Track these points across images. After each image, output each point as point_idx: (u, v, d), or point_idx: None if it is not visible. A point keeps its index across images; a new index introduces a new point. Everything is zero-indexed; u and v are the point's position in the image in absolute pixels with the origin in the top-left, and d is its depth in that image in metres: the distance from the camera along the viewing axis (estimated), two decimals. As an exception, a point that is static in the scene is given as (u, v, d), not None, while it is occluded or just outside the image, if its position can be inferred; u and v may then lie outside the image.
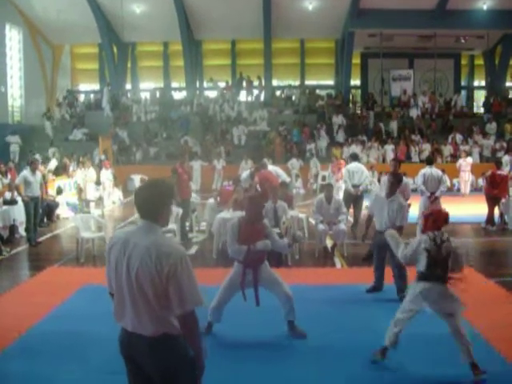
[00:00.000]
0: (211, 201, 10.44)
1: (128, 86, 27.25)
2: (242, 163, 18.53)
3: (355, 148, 19.29)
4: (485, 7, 22.28)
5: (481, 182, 16.62)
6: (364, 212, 10.64)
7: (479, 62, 27.90)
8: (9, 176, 13.58)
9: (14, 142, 21.19)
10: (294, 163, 19.58)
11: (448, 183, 14.13)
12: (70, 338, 5.02)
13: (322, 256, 8.66)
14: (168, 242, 2.60)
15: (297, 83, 27.13)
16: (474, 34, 24.21)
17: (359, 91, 27.67)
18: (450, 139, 21.32)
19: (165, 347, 2.56)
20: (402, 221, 6.12)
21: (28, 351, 4.78)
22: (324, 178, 17.86)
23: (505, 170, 12.54)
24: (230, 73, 27.02)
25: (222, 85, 25.76)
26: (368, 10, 22.37)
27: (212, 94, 26.18)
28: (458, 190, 17.67)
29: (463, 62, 28.04)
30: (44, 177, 12.04)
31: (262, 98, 25.41)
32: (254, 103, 24.92)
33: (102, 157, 19.11)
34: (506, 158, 17.72)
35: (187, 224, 10.27)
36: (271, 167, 10.92)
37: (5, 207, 10.50)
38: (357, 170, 10.10)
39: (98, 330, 4.87)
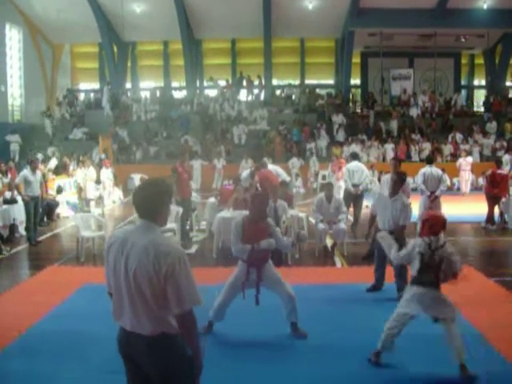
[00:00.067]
0: (211, 200, 10.44)
1: (128, 85, 27.23)
2: (242, 162, 18.54)
3: (355, 147, 19.29)
4: (485, 6, 22.27)
5: (481, 181, 16.62)
6: (364, 211, 10.66)
7: (479, 61, 27.90)
8: (9, 175, 13.57)
9: (14, 141, 21.19)
10: (295, 162, 19.60)
11: (448, 182, 14.13)
12: (70, 337, 5.02)
13: (322, 255, 8.66)
14: (166, 241, 2.60)
15: (297, 82, 27.13)
16: (474, 33, 24.20)
17: (359, 90, 27.68)
18: (450, 138, 21.33)
19: (163, 346, 2.57)
20: (406, 220, 6.12)
21: (28, 350, 4.78)
22: (324, 177, 17.86)
23: (505, 170, 12.54)
24: (230, 72, 27.01)
25: (222, 84, 25.73)
26: (368, 9, 22.35)
27: (212, 93, 26.16)
28: (458, 189, 17.67)
29: (463, 61, 28.03)
30: (44, 176, 12.04)
31: (262, 97, 25.40)
32: (254, 102, 24.91)
33: (103, 156, 19.12)
34: (506, 157, 17.73)
35: (187, 223, 10.26)
36: (271, 166, 10.92)
37: (5, 206, 10.50)
38: (357, 170, 10.10)
39: (98, 330, 4.87)
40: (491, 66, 26.34)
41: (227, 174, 17.51)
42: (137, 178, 17.87)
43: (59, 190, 13.67)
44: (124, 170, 19.22)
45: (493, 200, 11.09)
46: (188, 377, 2.61)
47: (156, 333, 2.55)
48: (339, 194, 10.91)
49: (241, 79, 25.72)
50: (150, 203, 2.64)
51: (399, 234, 5.91)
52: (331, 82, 28.20)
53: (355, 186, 9.93)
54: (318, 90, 26.25)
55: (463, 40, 24.93)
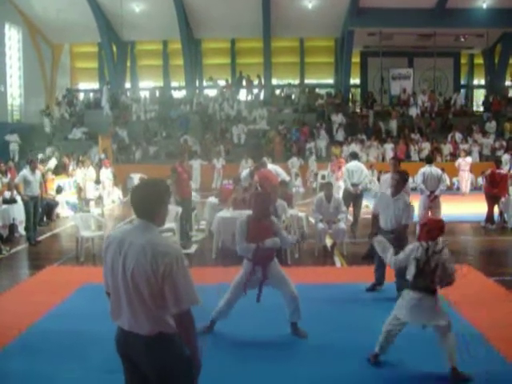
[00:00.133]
0: (211, 200, 10.43)
1: (127, 85, 27.23)
2: (241, 162, 18.55)
3: (355, 147, 19.30)
4: (484, 6, 22.27)
5: (480, 180, 16.62)
6: (364, 211, 10.66)
7: (479, 60, 27.91)
8: (8, 175, 13.57)
9: (13, 141, 21.19)
10: (294, 162, 19.61)
11: (447, 182, 14.13)
12: (70, 336, 5.03)
13: (321, 255, 8.65)
14: (164, 241, 2.61)
15: (296, 82, 27.12)
16: (474, 32, 24.22)
17: (359, 90, 27.67)
18: (449, 138, 21.34)
19: (161, 346, 2.57)
20: (408, 219, 6.11)
21: (28, 349, 4.79)
22: (324, 177, 17.86)
23: (504, 169, 12.55)
24: (229, 72, 27.01)
25: (222, 83, 25.73)
26: (367, 9, 22.36)
27: (212, 92, 26.15)
28: (458, 188, 17.67)
29: (463, 60, 28.03)
30: (43, 176, 12.03)
31: (262, 96, 25.38)
32: (254, 102, 24.90)
33: (102, 156, 19.11)
34: (505, 157, 17.75)
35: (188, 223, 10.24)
36: (271, 166, 10.91)
37: (4, 206, 10.49)
38: (356, 169, 10.09)
39: (98, 329, 4.86)
40: (490, 65, 26.36)
41: (227, 174, 17.52)
42: (136, 178, 17.83)
43: (59, 190, 13.66)
44: (123, 170, 19.21)
45: (492, 199, 11.09)
46: (186, 376, 2.61)
47: (154, 332, 2.55)
48: (339, 194, 10.92)
49: (240, 79, 25.72)
50: (147, 203, 2.64)
51: (401, 234, 5.89)
52: (331, 81, 28.21)
53: (354, 185, 9.92)
54: (317, 90, 26.24)
55: (463, 40, 24.94)
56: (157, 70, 27.34)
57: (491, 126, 22.31)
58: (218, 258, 8.43)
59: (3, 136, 21.16)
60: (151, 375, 2.62)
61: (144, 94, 25.58)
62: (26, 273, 8.09)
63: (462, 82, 28.49)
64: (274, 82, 27.40)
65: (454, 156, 19.86)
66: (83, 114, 24.39)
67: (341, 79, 25.97)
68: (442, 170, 10.72)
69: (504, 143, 20.69)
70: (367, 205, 12.14)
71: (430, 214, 9.51)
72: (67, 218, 12.58)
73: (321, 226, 8.46)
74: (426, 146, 20.54)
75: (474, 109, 26.78)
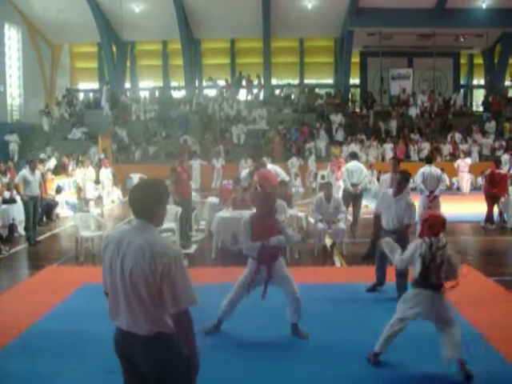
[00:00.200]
0: (210, 199, 10.43)
1: (127, 85, 27.23)
2: (241, 162, 18.57)
3: (354, 147, 19.30)
4: (484, 6, 22.29)
5: (480, 180, 16.62)
6: (364, 210, 10.66)
7: (478, 60, 27.92)
8: (8, 175, 13.56)
9: (13, 141, 21.20)
10: (294, 162, 19.61)
11: (447, 182, 14.13)
12: (70, 336, 5.03)
13: (321, 255, 8.65)
14: (162, 241, 2.61)
15: (296, 82, 27.11)
16: (473, 32, 24.22)
17: (358, 90, 27.68)
18: (449, 138, 21.35)
19: (159, 346, 2.57)
20: (410, 219, 6.11)
21: (28, 349, 4.79)
22: (323, 177, 17.86)
23: (504, 169, 12.58)
24: (229, 72, 27.02)
25: (222, 83, 25.73)
26: (367, 9, 22.36)
27: (211, 92, 26.15)
28: (458, 188, 17.67)
29: (462, 60, 28.04)
30: (43, 176, 12.03)
31: (262, 96, 25.39)
32: (254, 102, 24.90)
33: (102, 156, 19.10)
34: (505, 157, 17.77)
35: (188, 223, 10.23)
36: (270, 166, 10.92)
37: (4, 206, 10.49)
38: (356, 169, 10.09)
39: (98, 329, 4.86)
40: (490, 65, 26.37)
41: (226, 174, 17.52)
42: (136, 178, 17.82)
43: (58, 190, 13.66)
44: (123, 170, 19.20)
45: (492, 199, 11.10)
46: (184, 376, 2.62)
47: (152, 332, 2.56)
48: (338, 194, 10.92)
49: (240, 79, 25.72)
50: (146, 203, 2.64)
51: (403, 234, 5.88)
52: (330, 81, 28.22)
53: (354, 185, 9.92)
54: (317, 90, 26.26)
55: (462, 40, 24.96)
56: (156, 70, 27.34)
57: (491, 126, 22.32)
58: (218, 258, 8.43)
59: (3, 136, 21.17)
60: (150, 375, 2.62)
61: (144, 94, 25.58)
62: (26, 273, 8.08)
63: (462, 82, 28.49)
64: (274, 81, 27.41)
65: (454, 156, 19.88)
66: (83, 114, 24.39)
67: (340, 79, 25.97)
68: (442, 170, 10.73)
69: (503, 143, 20.70)
70: (367, 205, 12.16)
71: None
72: (67, 217, 12.58)
73: (320, 225, 8.46)
74: (426, 146, 20.54)
75: (474, 109, 26.81)
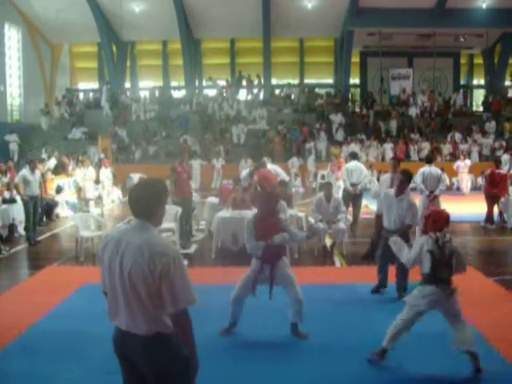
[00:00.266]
0: (210, 199, 10.43)
1: (127, 85, 27.22)
2: (241, 162, 18.57)
3: (354, 147, 19.31)
4: (484, 6, 22.29)
5: (480, 180, 16.62)
6: (364, 210, 10.66)
7: (478, 60, 27.92)
8: (8, 175, 13.56)
9: (13, 141, 21.21)
10: (294, 162, 19.61)
11: (447, 182, 14.12)
12: (70, 336, 5.03)
13: (321, 255, 8.66)
14: (161, 241, 2.62)
15: (296, 82, 27.09)
16: (473, 32, 24.22)
17: (358, 90, 27.68)
18: (449, 138, 21.35)
19: (158, 346, 2.57)
20: (413, 219, 6.10)
21: (28, 349, 4.79)
22: (323, 177, 17.86)
23: (504, 169, 12.58)
24: (229, 71, 27.02)
25: (222, 83, 25.73)
26: (367, 9, 22.37)
27: (211, 92, 26.14)
28: (458, 188, 17.67)
29: (462, 60, 28.04)
30: (43, 176, 12.03)
31: (262, 96, 25.39)
32: (254, 102, 24.90)
33: (102, 155, 19.10)
34: (505, 157, 17.77)
35: (190, 223, 10.21)
36: (270, 166, 10.92)
37: (4, 206, 10.49)
38: (355, 169, 10.10)
39: (98, 329, 4.84)
40: (490, 65, 26.37)
41: (226, 174, 17.51)
42: (136, 178, 17.79)
43: (58, 190, 13.66)
44: (123, 170, 19.18)
45: (492, 199, 11.10)
46: (183, 376, 2.62)
47: (151, 332, 2.56)
48: (338, 194, 10.92)
49: (240, 79, 25.71)
50: (145, 203, 2.64)
51: (404, 234, 5.87)
52: (330, 81, 28.22)
53: (353, 185, 9.93)
54: (317, 90, 26.25)
55: (462, 40, 24.95)
56: (156, 70, 27.34)
57: (491, 125, 22.32)
58: (218, 258, 8.43)
59: (3, 136, 21.17)
60: (149, 375, 2.62)
61: (144, 94, 25.57)
62: (26, 273, 8.08)
63: (462, 82, 28.49)
64: (274, 81, 27.40)
65: (454, 156, 19.89)
66: (83, 114, 24.38)
67: (340, 79, 25.97)
68: (442, 169, 10.72)
69: (503, 143, 20.71)
70: (367, 205, 12.15)
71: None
72: (67, 217, 12.57)
73: (320, 225, 8.46)
74: (426, 146, 20.55)
75: (474, 109, 26.80)
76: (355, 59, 26.40)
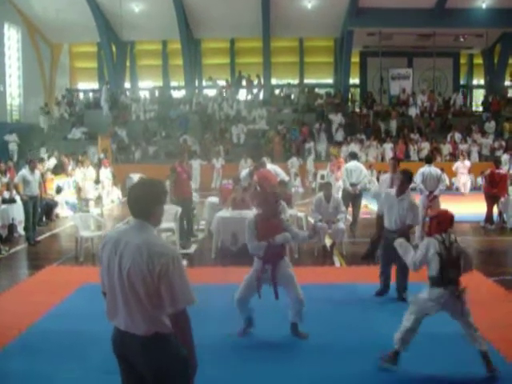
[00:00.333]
0: (210, 199, 10.43)
1: (127, 85, 27.22)
2: (241, 162, 18.56)
3: (354, 147, 19.31)
4: (484, 6, 22.30)
5: (480, 180, 16.62)
6: (363, 210, 10.66)
7: (478, 60, 27.93)
8: (7, 175, 13.55)
9: (12, 141, 21.21)
10: (294, 162, 19.61)
11: (447, 182, 14.12)
12: (70, 336, 5.03)
13: (321, 255, 8.66)
14: (160, 241, 2.63)
15: (296, 82, 27.08)
16: (473, 32, 24.23)
17: (358, 90, 27.68)
18: (448, 138, 21.35)
19: (157, 346, 2.57)
20: (414, 220, 6.09)
21: (28, 349, 4.79)
22: (323, 177, 17.86)
23: (504, 169, 12.57)
24: (229, 71, 27.02)
25: (221, 83, 25.72)
26: (367, 9, 22.37)
27: (211, 92, 26.13)
28: (457, 189, 17.66)
29: (462, 60, 28.05)
30: (43, 175, 12.03)
31: (261, 96, 25.38)
32: (253, 102, 24.89)
33: (101, 155, 19.10)
34: (504, 157, 17.77)
35: (189, 223, 10.20)
36: (270, 166, 10.92)
37: (4, 206, 10.49)
38: (355, 169, 10.10)
39: (98, 329, 4.83)
40: (490, 65, 26.38)
41: (226, 174, 17.51)
42: (136, 178, 17.78)
43: (58, 190, 13.66)
44: (123, 170, 19.16)
45: (492, 199, 11.10)
46: (182, 376, 2.62)
47: (150, 333, 2.56)
48: (338, 194, 10.92)
49: (240, 79, 25.71)
50: (143, 203, 2.65)
51: (405, 234, 5.87)
52: (330, 81, 28.22)
53: (353, 185, 9.93)
54: (317, 90, 26.24)
55: (462, 40, 24.96)
56: (156, 70, 27.33)
57: (490, 126, 22.32)
58: (218, 257, 8.43)
59: (2, 136, 21.17)
60: (147, 375, 2.62)
61: (143, 94, 25.56)
62: (26, 273, 8.08)
63: (462, 82, 28.49)
64: (274, 81, 27.39)
65: (454, 156, 19.89)
66: (83, 114, 24.37)
67: (340, 79, 25.97)
68: (442, 169, 10.72)
69: (503, 143, 20.70)
70: (366, 205, 12.15)
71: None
72: (66, 217, 12.57)
73: (322, 225, 8.45)
74: (426, 146, 20.54)
75: (474, 109, 26.79)
76: (355, 59, 26.40)
